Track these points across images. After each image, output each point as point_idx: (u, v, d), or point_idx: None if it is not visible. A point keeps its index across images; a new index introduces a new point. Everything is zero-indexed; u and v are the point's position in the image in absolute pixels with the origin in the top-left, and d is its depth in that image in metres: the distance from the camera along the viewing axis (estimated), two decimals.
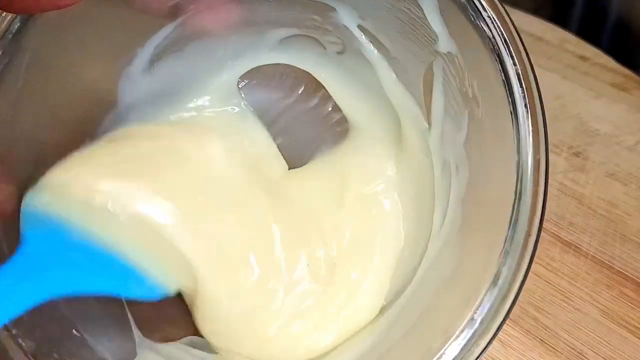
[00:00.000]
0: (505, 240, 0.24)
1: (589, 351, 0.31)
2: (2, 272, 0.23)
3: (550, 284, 0.34)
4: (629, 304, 0.33)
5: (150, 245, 0.27)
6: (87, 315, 0.29)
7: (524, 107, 0.26)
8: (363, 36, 0.33)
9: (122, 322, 0.30)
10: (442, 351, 0.24)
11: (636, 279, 0.34)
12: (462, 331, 0.24)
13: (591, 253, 0.35)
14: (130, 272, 0.26)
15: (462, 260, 0.28)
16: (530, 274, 0.34)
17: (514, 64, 0.26)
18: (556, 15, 0.63)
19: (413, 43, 0.31)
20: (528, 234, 0.24)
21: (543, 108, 0.26)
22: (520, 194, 0.25)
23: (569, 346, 0.31)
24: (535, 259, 0.35)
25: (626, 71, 0.46)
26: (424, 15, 0.29)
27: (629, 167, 0.40)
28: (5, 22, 0.26)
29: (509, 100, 0.26)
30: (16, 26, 0.26)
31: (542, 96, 0.28)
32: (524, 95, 0.26)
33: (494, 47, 0.27)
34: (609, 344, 0.32)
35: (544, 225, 0.36)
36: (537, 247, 0.24)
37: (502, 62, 0.27)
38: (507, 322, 0.32)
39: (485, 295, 0.24)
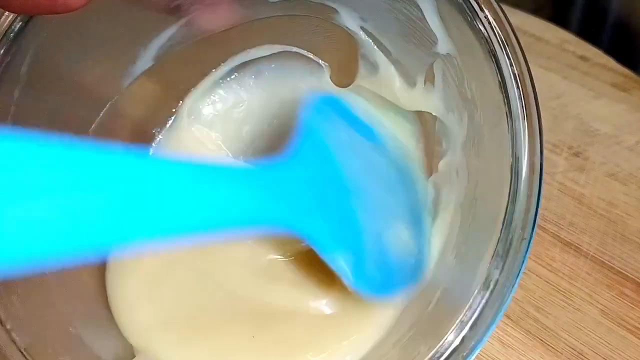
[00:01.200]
0: (498, 243, 0.24)
1: (589, 351, 0.31)
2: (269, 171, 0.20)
3: (550, 284, 0.34)
4: (629, 304, 0.33)
5: None
6: (84, 313, 0.29)
7: (519, 109, 0.26)
8: (366, 37, 0.33)
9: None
10: (431, 354, 0.24)
11: (636, 279, 0.34)
12: (452, 334, 0.24)
13: (591, 253, 0.35)
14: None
15: (456, 265, 0.28)
16: (530, 274, 0.34)
17: (511, 65, 0.26)
18: (556, 15, 0.63)
19: (413, 45, 0.32)
20: (522, 238, 0.24)
21: (539, 110, 0.26)
22: (514, 196, 0.25)
23: (569, 346, 0.31)
24: (535, 259, 0.35)
25: (626, 71, 0.46)
26: (423, 16, 0.30)
27: (629, 167, 0.40)
28: (7, 21, 0.26)
29: (504, 101, 0.26)
30: (18, 25, 0.26)
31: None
32: (521, 96, 0.26)
33: (490, 48, 0.27)
34: (609, 344, 0.32)
35: (544, 226, 0.36)
36: (530, 251, 0.24)
37: (498, 63, 0.27)
38: (507, 322, 0.32)
39: (476, 298, 0.24)
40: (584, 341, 0.32)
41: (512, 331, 0.32)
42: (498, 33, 0.26)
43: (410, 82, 0.33)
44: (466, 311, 0.23)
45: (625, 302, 0.33)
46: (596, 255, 0.35)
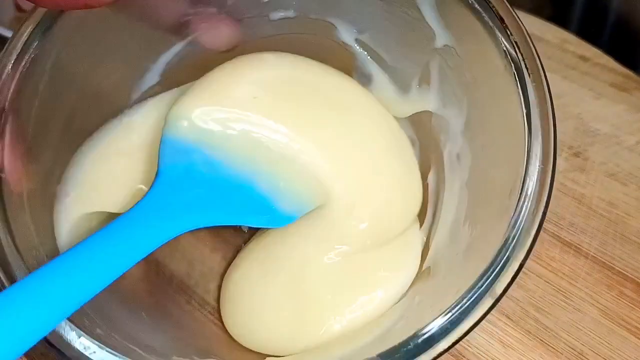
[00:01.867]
0: (508, 228, 0.24)
1: (589, 351, 0.31)
2: (144, 204, 0.24)
3: (551, 284, 0.34)
4: (629, 304, 0.33)
5: (282, 168, 0.29)
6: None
7: (525, 70, 0.27)
8: (361, 49, 0.34)
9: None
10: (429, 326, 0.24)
11: (636, 279, 0.34)
12: (452, 309, 0.23)
13: (591, 253, 0.35)
14: (260, 199, 0.28)
15: (471, 232, 0.28)
16: (530, 274, 0.34)
17: (511, 34, 0.27)
18: (556, 15, 0.63)
19: (409, 47, 0.32)
20: (534, 214, 0.24)
21: (544, 69, 0.27)
22: (528, 158, 0.25)
23: (569, 346, 0.31)
24: (535, 259, 0.35)
25: (626, 71, 0.46)
26: (422, 15, 0.30)
27: (629, 168, 0.40)
28: (30, 28, 0.27)
29: (510, 66, 0.27)
30: (39, 33, 0.27)
31: None
32: (524, 58, 0.27)
33: (489, 25, 0.28)
34: (609, 344, 0.32)
35: (544, 226, 0.36)
36: (541, 229, 0.24)
37: (499, 37, 0.27)
38: (507, 322, 0.32)
39: (480, 279, 0.24)
40: (584, 341, 0.32)
41: (512, 331, 0.32)
42: (494, 8, 0.28)
43: (405, 87, 0.34)
44: (471, 289, 0.23)
45: (625, 302, 0.33)
46: (596, 256, 0.35)
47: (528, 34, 0.28)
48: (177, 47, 0.32)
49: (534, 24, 0.49)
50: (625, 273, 0.34)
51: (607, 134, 0.42)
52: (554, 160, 0.25)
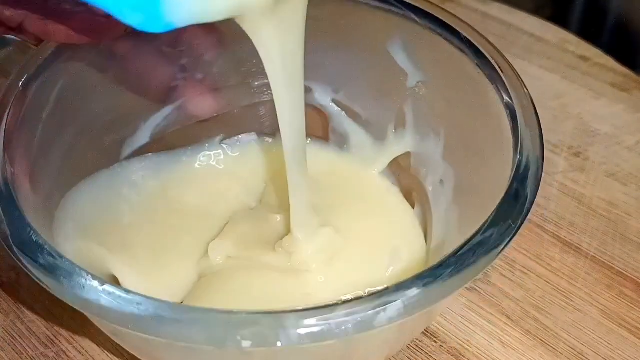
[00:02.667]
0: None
1: (589, 351, 0.31)
2: None
3: (551, 284, 0.34)
4: (629, 304, 0.33)
5: None
6: None
7: (500, 73, 0.28)
8: (337, 108, 0.36)
9: None
10: None
11: (636, 279, 0.34)
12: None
13: (591, 253, 0.35)
14: None
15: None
16: (530, 274, 0.34)
17: (474, 44, 0.29)
18: (556, 15, 0.63)
19: (383, 95, 0.34)
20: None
21: (524, 84, 0.28)
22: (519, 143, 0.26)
23: (569, 346, 0.31)
24: (535, 259, 0.35)
25: (626, 71, 0.46)
26: (392, 58, 0.32)
27: (629, 168, 0.40)
28: (44, 55, 0.28)
29: (481, 71, 0.28)
30: (50, 62, 0.28)
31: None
32: (495, 64, 0.28)
33: (458, 38, 0.29)
34: (609, 344, 0.32)
35: (544, 226, 0.37)
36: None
37: (466, 51, 0.29)
38: (507, 322, 0.32)
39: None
40: (584, 341, 0.32)
41: (512, 331, 0.32)
42: (450, 22, 0.30)
43: (381, 136, 0.35)
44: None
45: (625, 302, 0.33)
46: (596, 256, 0.35)
47: (486, 38, 0.29)
48: (167, 110, 0.34)
49: (534, 25, 0.49)
50: (625, 273, 0.34)
51: (607, 134, 0.42)
52: (542, 151, 0.26)
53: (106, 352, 0.31)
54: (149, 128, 0.34)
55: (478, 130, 0.29)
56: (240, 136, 0.37)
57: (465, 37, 0.29)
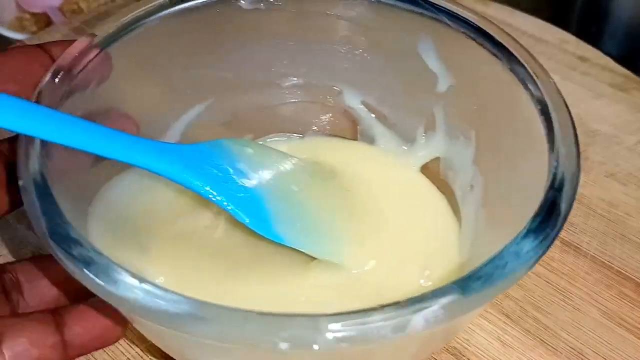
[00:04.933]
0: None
1: (588, 351, 0.31)
2: (173, 145, 0.28)
3: (550, 283, 0.34)
4: (629, 303, 0.33)
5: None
6: None
7: (534, 78, 0.27)
8: (366, 111, 0.36)
9: None
10: None
11: (636, 279, 0.34)
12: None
13: (591, 253, 0.35)
14: (263, 208, 0.30)
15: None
16: (529, 273, 0.34)
17: (509, 48, 0.29)
18: (556, 15, 0.63)
19: (413, 100, 0.34)
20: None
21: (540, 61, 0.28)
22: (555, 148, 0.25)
23: (568, 346, 0.32)
24: None
25: (626, 71, 0.46)
26: (424, 62, 0.32)
27: (629, 167, 0.40)
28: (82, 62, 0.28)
29: (519, 81, 0.28)
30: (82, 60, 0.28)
31: None
32: (529, 69, 0.28)
33: (486, 47, 0.29)
34: (609, 343, 0.32)
35: None
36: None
37: (500, 56, 0.29)
38: (507, 322, 0.32)
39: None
40: (583, 341, 0.32)
41: (512, 331, 0.32)
42: (483, 26, 0.30)
43: (410, 140, 0.35)
44: None
45: (625, 302, 0.33)
46: (596, 255, 0.35)
47: (519, 43, 0.29)
48: (197, 109, 0.34)
49: (534, 25, 0.49)
50: (625, 273, 0.35)
51: (607, 134, 0.42)
52: (578, 167, 0.25)
53: (106, 351, 0.31)
54: (179, 127, 0.34)
55: (510, 135, 0.29)
56: (269, 136, 0.37)
57: (499, 41, 0.29)
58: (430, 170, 0.35)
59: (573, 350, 0.31)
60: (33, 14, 0.63)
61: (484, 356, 0.31)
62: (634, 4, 0.58)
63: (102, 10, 0.49)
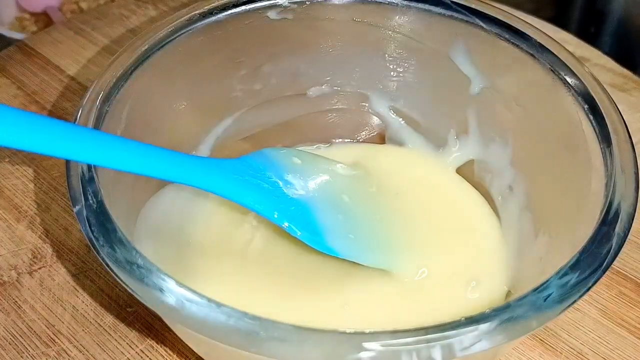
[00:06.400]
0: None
1: (588, 351, 0.31)
2: (220, 161, 0.28)
3: None
4: (628, 303, 0.33)
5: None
6: None
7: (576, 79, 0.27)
8: (395, 116, 0.36)
9: None
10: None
11: (635, 278, 0.34)
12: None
13: None
14: (314, 221, 0.30)
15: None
16: None
17: (547, 47, 0.29)
18: (556, 15, 0.63)
19: (444, 104, 0.34)
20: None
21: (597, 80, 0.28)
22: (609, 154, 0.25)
23: (568, 346, 0.32)
24: None
25: (626, 71, 0.46)
26: (455, 65, 0.32)
27: None
28: (111, 83, 0.28)
29: (560, 80, 0.28)
30: (123, 80, 0.28)
31: None
32: (581, 75, 0.28)
33: (522, 48, 0.29)
34: (609, 343, 0.32)
35: None
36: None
37: (536, 55, 0.29)
38: None
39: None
40: (583, 340, 0.32)
41: None
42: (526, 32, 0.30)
43: (442, 144, 0.35)
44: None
45: (625, 302, 0.33)
46: None
47: (557, 42, 0.29)
48: (226, 122, 0.34)
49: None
50: (625, 272, 0.35)
51: None
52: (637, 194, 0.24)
53: (107, 352, 0.31)
54: (210, 141, 0.34)
55: (551, 136, 0.29)
56: (297, 146, 0.37)
57: (538, 42, 0.29)
58: (464, 173, 0.35)
59: (573, 350, 0.31)
60: (33, 14, 0.63)
61: None
62: (633, 5, 0.59)
63: (102, 10, 0.49)
